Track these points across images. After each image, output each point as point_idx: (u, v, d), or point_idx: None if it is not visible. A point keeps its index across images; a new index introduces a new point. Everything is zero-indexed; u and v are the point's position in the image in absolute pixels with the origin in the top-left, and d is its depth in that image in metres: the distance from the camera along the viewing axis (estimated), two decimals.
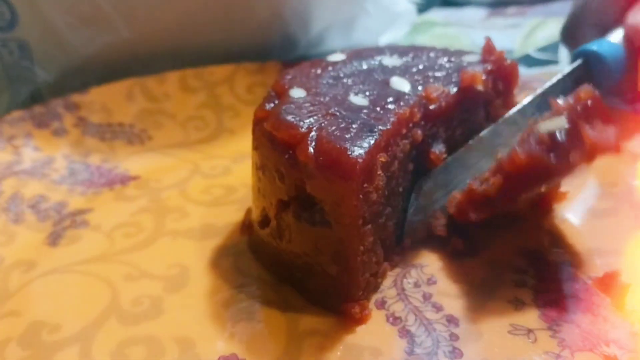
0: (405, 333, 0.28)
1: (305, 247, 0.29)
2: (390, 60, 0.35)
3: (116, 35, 0.46)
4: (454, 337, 0.27)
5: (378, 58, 0.35)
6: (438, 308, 0.29)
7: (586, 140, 0.27)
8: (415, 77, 0.33)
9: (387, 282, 0.31)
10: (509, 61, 0.34)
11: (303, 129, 0.28)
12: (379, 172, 0.28)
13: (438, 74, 0.34)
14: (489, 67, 0.34)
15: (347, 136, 0.27)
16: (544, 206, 0.34)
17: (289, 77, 0.32)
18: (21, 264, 0.33)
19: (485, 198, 0.30)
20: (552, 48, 0.63)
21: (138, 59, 0.47)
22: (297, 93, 0.31)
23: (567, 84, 0.34)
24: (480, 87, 0.33)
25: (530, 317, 0.28)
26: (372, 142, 0.27)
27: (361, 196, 0.27)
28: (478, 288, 0.30)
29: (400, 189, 0.32)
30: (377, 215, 0.29)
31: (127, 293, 0.31)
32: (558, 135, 0.27)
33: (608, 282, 0.29)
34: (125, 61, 0.46)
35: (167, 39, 0.48)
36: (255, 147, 0.30)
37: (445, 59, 0.35)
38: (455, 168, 0.33)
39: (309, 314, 0.29)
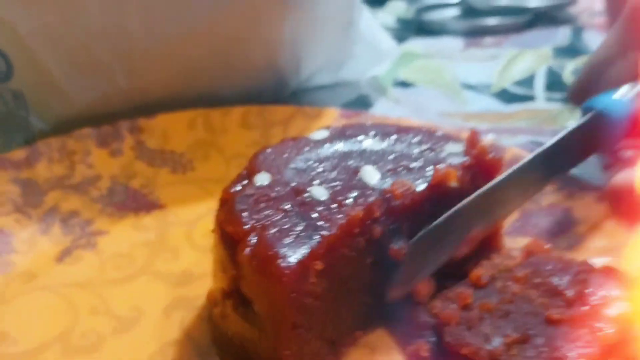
0: None
1: (241, 337, 0.29)
2: (370, 143, 0.33)
3: (114, 85, 0.46)
4: None
5: (360, 139, 0.33)
6: None
7: None
8: (389, 166, 0.31)
9: None
10: (492, 156, 0.31)
11: (248, 226, 0.27)
12: (314, 279, 0.27)
13: (413, 164, 0.31)
14: (469, 161, 0.31)
15: (286, 240, 0.26)
16: None
17: (262, 157, 0.32)
18: (26, 274, 0.36)
19: None
20: (527, 82, 0.64)
21: (135, 107, 0.47)
22: (261, 179, 0.30)
23: (573, 141, 0.34)
24: (453, 184, 0.31)
25: None
26: (308, 250, 0.26)
27: (288, 304, 0.26)
28: None
29: (353, 285, 0.30)
30: (315, 319, 0.28)
31: (83, 325, 0.33)
32: None
33: None
34: (122, 109, 0.47)
35: (164, 88, 0.48)
36: (214, 230, 0.30)
37: (427, 146, 0.32)
38: (449, 229, 0.31)
39: None
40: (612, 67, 0.38)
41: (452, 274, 0.34)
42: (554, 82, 0.64)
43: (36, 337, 0.32)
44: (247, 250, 0.26)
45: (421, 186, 0.30)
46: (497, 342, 0.28)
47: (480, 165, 0.31)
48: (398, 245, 0.30)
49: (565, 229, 0.37)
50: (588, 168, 0.39)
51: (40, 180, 0.42)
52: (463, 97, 0.62)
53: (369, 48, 0.61)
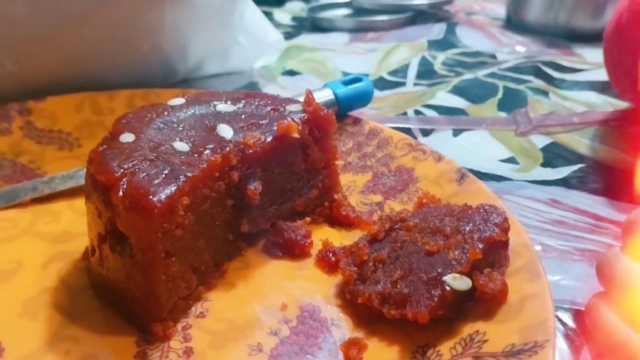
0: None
1: (119, 274, 0.35)
2: (223, 107, 0.40)
3: (2, 69, 0.53)
4: None
5: (213, 104, 0.41)
6: (187, 338, 0.35)
7: (482, 297, 0.33)
8: (241, 124, 0.39)
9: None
10: (324, 112, 0.40)
11: (118, 174, 0.34)
12: (182, 212, 0.33)
13: (262, 121, 0.39)
14: (306, 116, 0.39)
15: (155, 181, 0.33)
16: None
17: (124, 121, 0.38)
18: None
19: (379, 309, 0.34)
20: (402, 70, 0.76)
21: (26, 91, 0.53)
22: (126, 138, 0.37)
23: None
24: (295, 135, 0.39)
25: None
26: (175, 187, 0.33)
27: (160, 234, 0.33)
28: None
29: (218, 223, 0.38)
30: (186, 248, 0.35)
31: None
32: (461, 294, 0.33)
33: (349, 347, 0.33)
34: (10, 94, 0.53)
35: (52, 72, 0.55)
36: (85, 185, 0.36)
37: (271, 107, 0.41)
38: None
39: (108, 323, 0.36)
40: None
41: (298, 212, 0.42)
42: (425, 71, 0.75)
43: None
44: (120, 192, 0.33)
45: (269, 137, 0.37)
46: (384, 284, 0.35)
47: (316, 120, 0.41)
48: (254, 187, 0.37)
49: (407, 186, 0.45)
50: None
51: None
52: None
53: (255, 39, 0.69)
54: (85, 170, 0.46)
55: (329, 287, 0.38)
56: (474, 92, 0.69)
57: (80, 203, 0.45)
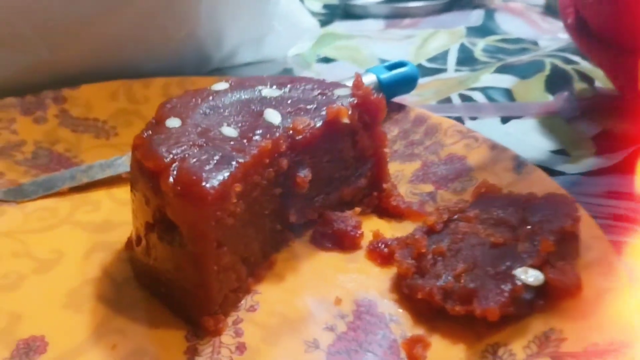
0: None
1: (167, 265, 0.34)
2: (268, 91, 0.39)
3: (35, 57, 0.51)
4: None
5: (258, 88, 0.39)
6: (238, 333, 0.33)
7: (554, 292, 0.31)
8: (288, 109, 0.37)
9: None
10: (375, 96, 0.38)
11: (167, 160, 0.32)
12: (234, 200, 0.32)
13: (309, 106, 0.38)
14: (356, 101, 0.37)
15: (206, 167, 0.32)
16: None
17: (169, 106, 0.37)
18: None
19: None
20: (441, 57, 0.73)
21: (59, 80, 0.52)
22: (172, 123, 0.35)
23: None
24: (345, 120, 0.37)
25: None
26: (228, 174, 0.32)
27: (213, 222, 0.31)
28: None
29: (267, 212, 0.36)
30: (237, 238, 0.34)
31: (4, 267, 0.37)
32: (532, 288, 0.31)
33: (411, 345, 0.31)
34: (45, 82, 0.51)
35: (87, 61, 0.54)
36: (131, 171, 0.35)
37: (318, 92, 0.39)
38: None
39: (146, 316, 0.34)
40: None
41: (345, 203, 0.40)
42: (465, 57, 0.72)
43: None
44: (171, 178, 0.31)
45: (319, 123, 0.36)
46: (447, 278, 0.33)
47: (366, 104, 0.39)
48: (303, 174, 0.36)
49: (460, 175, 0.43)
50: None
51: None
52: None
53: (290, 25, 0.66)
54: (123, 158, 0.45)
55: (383, 280, 0.36)
56: (521, 68, 0.65)
57: (119, 192, 0.44)
